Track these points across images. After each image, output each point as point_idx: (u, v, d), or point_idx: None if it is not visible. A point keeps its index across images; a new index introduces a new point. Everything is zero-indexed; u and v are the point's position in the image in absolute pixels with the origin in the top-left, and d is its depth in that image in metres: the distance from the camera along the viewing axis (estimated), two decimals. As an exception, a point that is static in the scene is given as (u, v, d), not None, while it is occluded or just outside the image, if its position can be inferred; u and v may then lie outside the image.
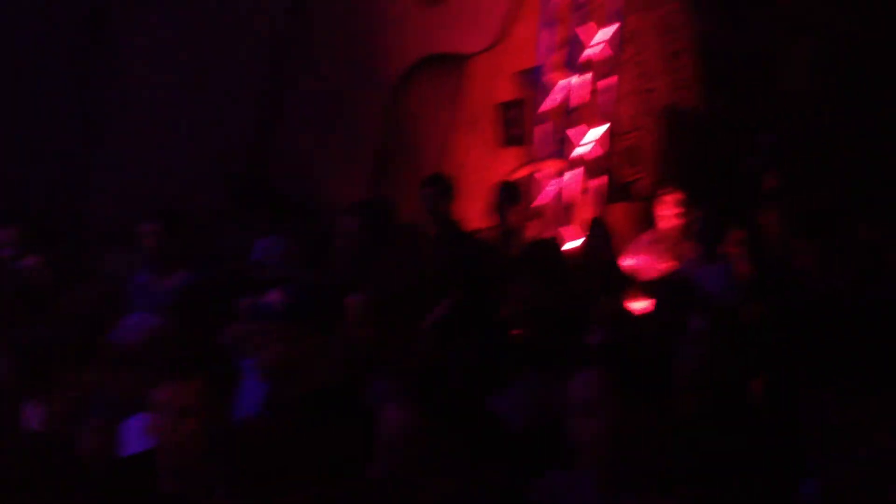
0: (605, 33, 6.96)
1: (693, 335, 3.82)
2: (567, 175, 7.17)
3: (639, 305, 5.91)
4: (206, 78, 6.19)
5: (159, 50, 6.11)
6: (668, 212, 6.37)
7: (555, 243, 5.96)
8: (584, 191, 7.21)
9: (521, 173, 7.40)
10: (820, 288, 4.67)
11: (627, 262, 6.07)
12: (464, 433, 3.12)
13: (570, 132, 7.12)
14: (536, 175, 7.28)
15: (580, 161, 7.15)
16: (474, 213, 6.47)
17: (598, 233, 6.12)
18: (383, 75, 7.01)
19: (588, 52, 7.03)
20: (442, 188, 5.84)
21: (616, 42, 6.98)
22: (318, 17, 6.75)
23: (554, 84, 7.16)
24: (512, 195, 6.42)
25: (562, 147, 7.22)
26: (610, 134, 7.17)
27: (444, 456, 2.89)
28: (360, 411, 3.33)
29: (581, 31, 7.01)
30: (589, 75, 7.05)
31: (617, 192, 7.45)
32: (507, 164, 7.46)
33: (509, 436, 3.38)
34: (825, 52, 7.06)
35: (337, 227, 5.60)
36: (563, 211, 7.17)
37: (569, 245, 6.86)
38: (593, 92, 7.10)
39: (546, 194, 7.21)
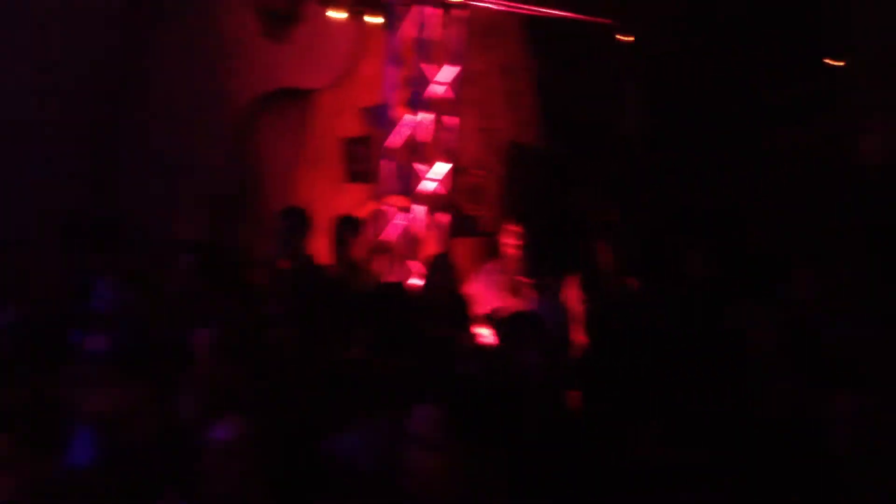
0: (449, 73, 7.10)
1: (530, 369, 3.92)
2: (412, 211, 7.24)
3: (484, 336, 6.04)
4: (35, 111, 5.89)
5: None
6: (510, 243, 6.59)
7: (400, 287, 5.97)
8: (430, 226, 7.29)
9: (367, 209, 7.42)
10: (647, 320, 4.89)
11: (470, 291, 6.20)
12: (298, 473, 3.07)
13: (416, 168, 7.21)
14: (382, 210, 7.32)
15: (425, 197, 7.24)
16: (321, 248, 6.43)
17: (442, 267, 6.20)
18: (227, 109, 6.89)
19: (432, 90, 7.14)
20: (295, 222, 5.77)
21: (458, 82, 7.13)
22: (158, 48, 6.58)
23: (399, 121, 7.23)
24: (351, 228, 6.45)
25: (407, 183, 7.29)
26: (454, 171, 7.30)
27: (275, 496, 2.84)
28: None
29: (426, 70, 7.13)
30: (433, 113, 7.17)
31: (461, 227, 7.58)
32: (352, 200, 7.47)
33: (349, 477, 3.34)
34: (652, 97, 7.48)
35: (171, 266, 5.42)
36: (409, 246, 7.22)
37: (414, 280, 6.93)
38: (437, 129, 7.22)
39: (392, 229, 7.25)
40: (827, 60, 8.28)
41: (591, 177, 7.09)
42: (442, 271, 6.14)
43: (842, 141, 8.63)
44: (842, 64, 8.33)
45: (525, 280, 6.18)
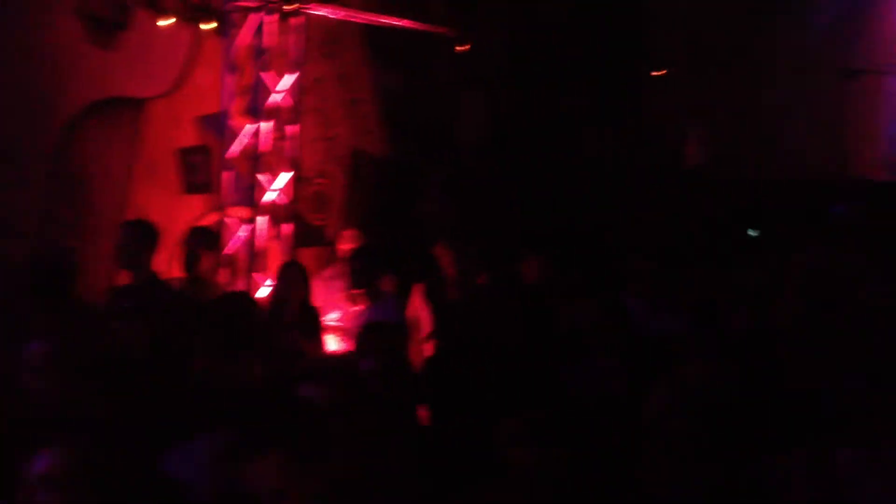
0: (288, 81, 7.03)
1: (366, 376, 3.91)
2: (255, 222, 7.11)
3: (333, 346, 6.00)
4: None
5: None
6: (346, 249, 6.60)
7: (246, 297, 5.84)
8: (273, 237, 7.18)
9: (208, 220, 7.23)
10: (488, 328, 4.98)
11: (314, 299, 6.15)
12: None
13: (258, 178, 7.08)
14: (224, 222, 7.15)
15: (268, 207, 7.13)
16: (158, 262, 6.20)
17: (291, 277, 6.11)
18: (51, 120, 6.55)
19: (272, 98, 7.05)
20: (139, 235, 5.51)
21: (298, 90, 7.07)
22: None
23: (239, 130, 7.09)
24: (205, 241, 6.25)
25: (249, 193, 7.16)
26: (296, 180, 7.22)
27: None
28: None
29: (264, 78, 7.02)
30: (273, 122, 7.07)
31: (305, 237, 7.51)
32: (191, 212, 7.26)
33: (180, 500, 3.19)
34: (492, 105, 7.66)
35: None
36: (254, 258, 7.09)
37: (261, 292, 6.80)
38: (278, 138, 7.13)
39: (235, 241, 7.10)
40: (651, 70, 8.73)
41: (432, 183, 7.18)
42: (290, 282, 6.06)
43: (665, 146, 9.12)
44: (664, 73, 8.80)
45: (356, 289, 6.18)
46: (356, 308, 6.17)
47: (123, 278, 5.62)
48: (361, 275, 6.02)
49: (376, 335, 4.40)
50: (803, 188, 10.07)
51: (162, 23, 6.53)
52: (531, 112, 7.85)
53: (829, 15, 11.79)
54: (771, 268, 6.68)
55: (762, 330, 5.54)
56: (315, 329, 5.91)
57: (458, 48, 6.98)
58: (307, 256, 7.41)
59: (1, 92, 6.24)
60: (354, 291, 6.15)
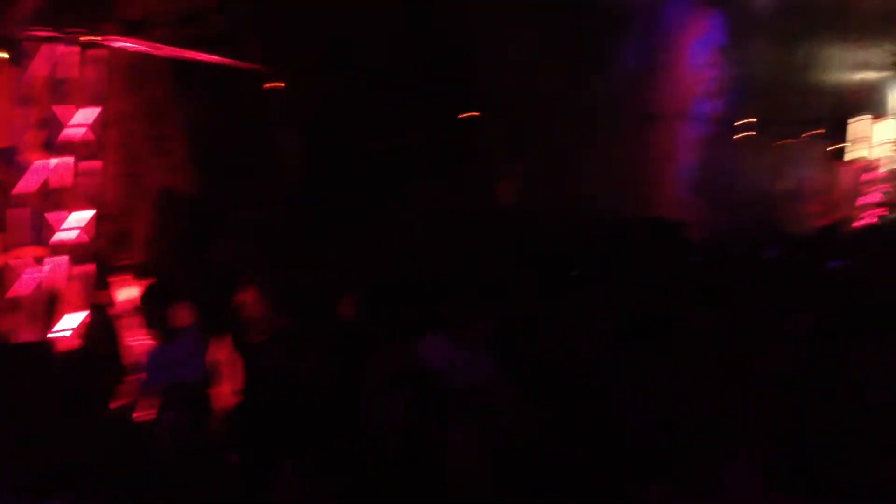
0: (87, 115, 6.67)
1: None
2: (49, 262, 6.68)
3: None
4: None
5: None
6: (131, 290, 6.36)
7: (46, 346, 5.47)
8: (71, 278, 6.77)
9: (-2, 262, 6.73)
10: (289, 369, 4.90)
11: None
12: None
13: (50, 216, 6.66)
14: (12, 263, 6.66)
15: (63, 247, 6.71)
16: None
17: (99, 320, 5.84)
18: None
19: (67, 132, 6.67)
20: None
21: (100, 124, 6.72)
22: None
23: (30, 165, 6.65)
24: None
25: (41, 232, 6.72)
26: (97, 218, 6.86)
27: None
28: None
29: (59, 111, 6.64)
30: (70, 157, 6.69)
31: (107, 277, 7.13)
32: (-24, 252, 6.73)
33: None
34: (309, 145, 7.59)
35: None
36: (46, 301, 6.64)
37: (59, 335, 6.39)
38: (76, 175, 6.75)
39: (24, 284, 6.62)
40: (463, 112, 8.92)
41: (242, 223, 7.00)
42: (99, 324, 5.78)
43: (479, 186, 9.32)
44: (477, 115, 9.01)
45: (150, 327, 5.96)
46: (152, 345, 5.92)
47: None
48: (154, 312, 5.79)
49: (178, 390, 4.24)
50: (604, 226, 10.55)
51: (-55, 49, 6.05)
52: (350, 153, 7.82)
53: (631, 65, 12.52)
54: (579, 303, 6.91)
55: (569, 365, 5.69)
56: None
57: (267, 86, 6.87)
58: (108, 297, 7.05)
59: None
60: (151, 330, 5.90)
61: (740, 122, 15.80)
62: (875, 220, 19.77)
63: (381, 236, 7.99)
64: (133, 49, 6.40)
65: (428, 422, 4.32)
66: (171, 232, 6.96)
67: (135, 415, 5.29)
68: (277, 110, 7.05)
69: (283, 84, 6.77)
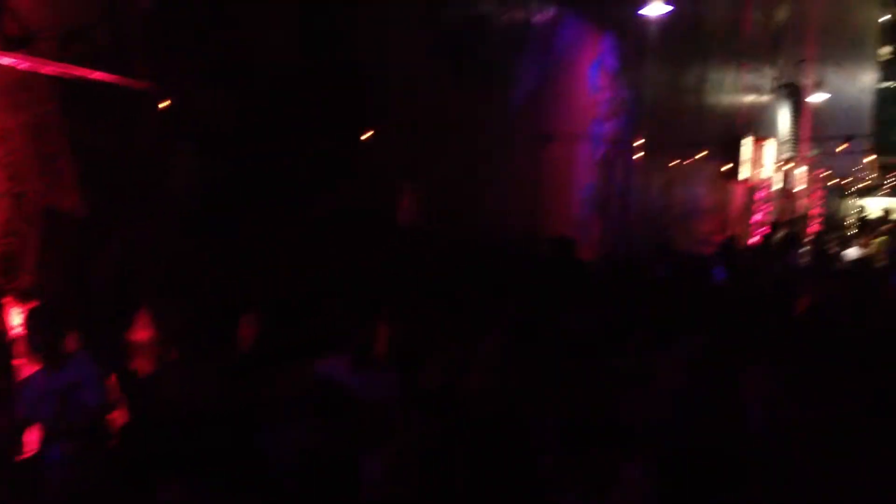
0: (-32, 132, 6.45)
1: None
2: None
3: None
4: None
5: None
6: (16, 314, 6.17)
7: None
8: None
9: None
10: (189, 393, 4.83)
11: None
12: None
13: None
14: None
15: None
16: None
17: None
18: None
19: (-52, 150, 6.43)
20: None
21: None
22: None
23: None
24: None
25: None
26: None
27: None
28: None
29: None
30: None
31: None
32: None
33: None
34: (206, 163, 7.49)
35: None
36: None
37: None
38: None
39: None
40: (361, 126, 8.95)
41: (134, 242, 6.86)
42: None
43: (378, 202, 9.35)
44: (374, 131, 9.06)
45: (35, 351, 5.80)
46: (36, 371, 5.75)
47: None
48: (38, 336, 5.63)
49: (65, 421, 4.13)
50: (502, 247, 10.73)
51: None
52: (243, 169, 7.76)
53: (528, 86, 12.77)
54: (472, 322, 6.99)
55: (464, 383, 5.76)
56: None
57: (160, 104, 6.78)
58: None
59: None
60: (36, 356, 5.72)
61: (635, 144, 16.30)
62: (761, 238, 20.60)
63: (276, 253, 7.94)
64: (16, 65, 6.24)
65: (336, 445, 4.30)
66: (58, 253, 6.78)
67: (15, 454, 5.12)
68: (168, 125, 6.95)
69: (170, 99, 6.68)
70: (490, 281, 8.62)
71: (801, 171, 27.97)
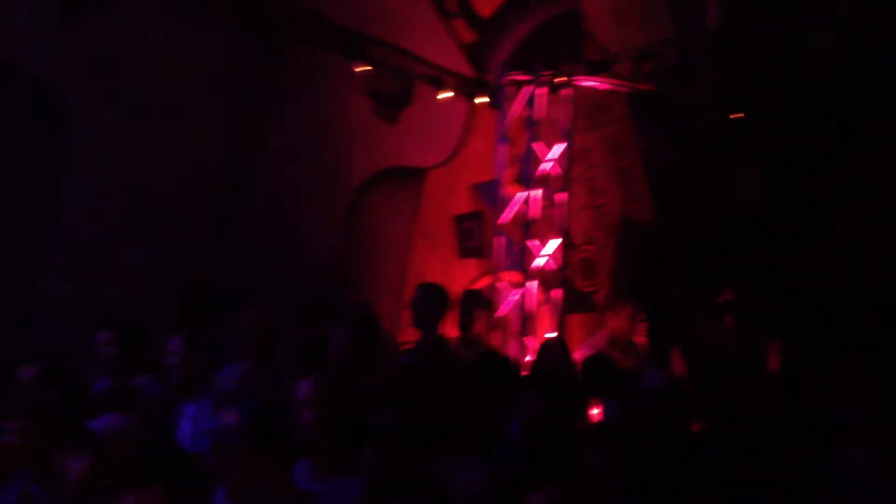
0: (557, 150, 7.18)
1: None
2: (525, 286, 7.24)
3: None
4: (160, 188, 6.31)
5: (110, 166, 6.19)
6: (622, 320, 6.46)
7: (505, 359, 5.82)
8: (542, 302, 7.27)
9: (481, 284, 7.48)
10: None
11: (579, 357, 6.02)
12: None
13: (531, 244, 7.23)
14: (496, 286, 7.35)
15: (537, 273, 7.24)
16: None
17: (555, 351, 6.00)
18: (341, 187, 7.21)
19: (542, 167, 7.23)
20: (433, 299, 5.56)
21: (566, 159, 7.19)
22: (275, 128, 6.96)
23: (511, 197, 7.31)
24: (480, 303, 6.38)
25: (520, 259, 7.31)
26: (565, 246, 7.29)
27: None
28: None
29: (535, 148, 7.22)
30: (542, 190, 7.23)
31: (573, 303, 7.52)
32: (465, 275, 7.58)
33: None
34: (771, 174, 7.24)
35: (330, 339, 5.11)
36: (523, 322, 7.18)
37: (529, 357, 6.86)
38: (548, 206, 7.26)
39: (506, 305, 7.26)
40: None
41: (699, 251, 6.92)
42: (554, 355, 5.96)
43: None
44: None
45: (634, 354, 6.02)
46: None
47: (411, 335, 5.81)
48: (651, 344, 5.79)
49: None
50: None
51: (441, 97, 6.97)
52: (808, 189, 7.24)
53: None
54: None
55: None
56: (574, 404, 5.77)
57: (732, 116, 6.74)
58: (575, 322, 7.44)
59: (301, 160, 6.99)
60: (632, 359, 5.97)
61: None
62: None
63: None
64: (596, 87, 6.77)
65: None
66: (633, 261, 7.16)
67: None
68: (731, 141, 6.86)
69: (736, 115, 6.59)
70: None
71: None
